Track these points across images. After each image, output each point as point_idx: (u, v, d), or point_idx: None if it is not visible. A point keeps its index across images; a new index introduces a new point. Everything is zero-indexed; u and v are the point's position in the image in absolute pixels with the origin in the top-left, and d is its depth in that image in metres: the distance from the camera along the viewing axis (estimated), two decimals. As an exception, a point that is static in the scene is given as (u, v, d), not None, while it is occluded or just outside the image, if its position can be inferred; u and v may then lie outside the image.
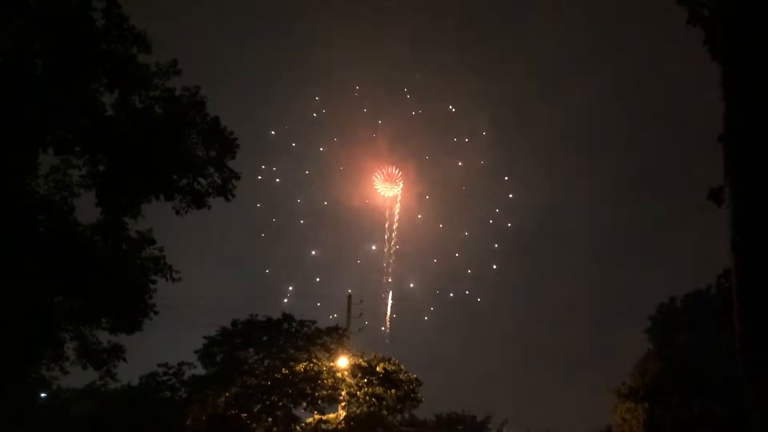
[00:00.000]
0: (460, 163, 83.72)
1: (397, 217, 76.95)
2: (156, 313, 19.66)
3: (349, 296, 42.71)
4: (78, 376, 25.06)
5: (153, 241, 19.06)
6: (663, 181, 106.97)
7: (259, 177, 77.60)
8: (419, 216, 79.75)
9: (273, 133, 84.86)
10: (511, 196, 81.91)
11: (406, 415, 40.51)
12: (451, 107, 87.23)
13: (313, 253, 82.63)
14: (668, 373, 31.50)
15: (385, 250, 74.64)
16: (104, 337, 20.14)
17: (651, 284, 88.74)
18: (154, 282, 19.12)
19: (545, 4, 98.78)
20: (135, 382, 34.10)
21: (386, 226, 75.74)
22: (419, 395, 37.26)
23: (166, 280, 19.03)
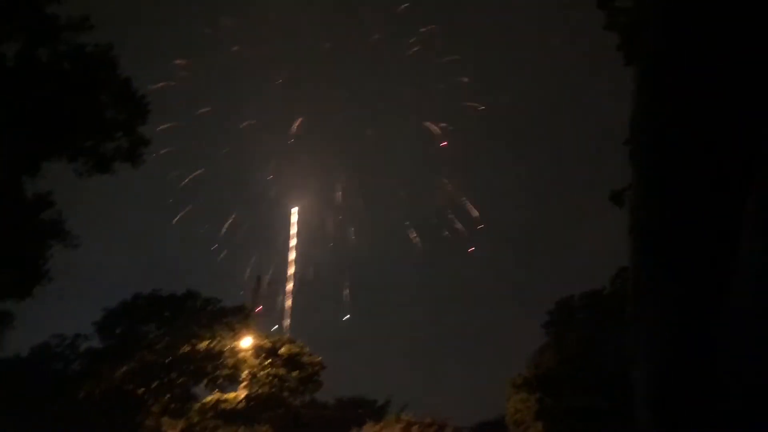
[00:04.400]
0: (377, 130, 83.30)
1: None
2: (50, 280, 18.84)
3: (258, 277, 42.32)
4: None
5: (51, 204, 18.23)
6: (570, 182, 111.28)
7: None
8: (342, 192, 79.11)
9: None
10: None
11: (308, 398, 40.58)
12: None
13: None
14: (561, 366, 32.99)
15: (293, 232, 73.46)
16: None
17: (555, 281, 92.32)
18: (49, 246, 18.32)
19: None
20: (26, 353, 32.72)
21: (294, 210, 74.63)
22: (321, 378, 37.48)
23: (64, 246, 18.28)
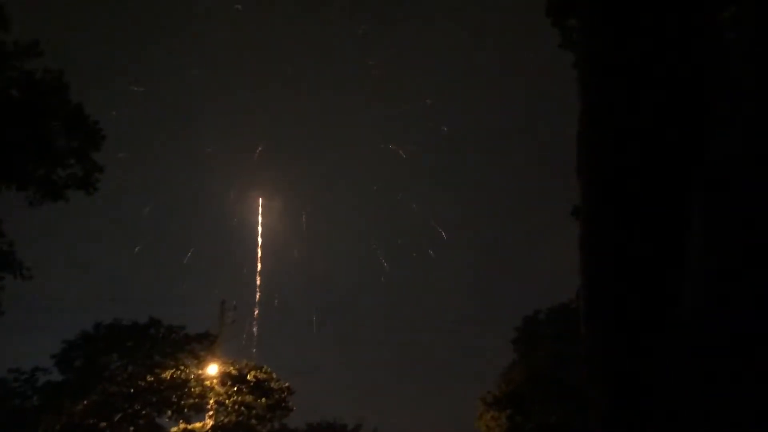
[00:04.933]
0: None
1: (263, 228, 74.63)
2: (2, 313, 18.20)
3: (222, 302, 41.40)
4: None
5: (1, 234, 17.63)
6: (534, 198, 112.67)
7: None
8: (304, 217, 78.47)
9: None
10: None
11: (276, 425, 39.86)
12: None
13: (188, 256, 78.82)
14: (531, 382, 33.00)
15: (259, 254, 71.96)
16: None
17: (526, 296, 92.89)
18: (1, 278, 17.69)
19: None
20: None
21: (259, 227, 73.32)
22: (291, 404, 36.86)
23: (15, 277, 17.64)
